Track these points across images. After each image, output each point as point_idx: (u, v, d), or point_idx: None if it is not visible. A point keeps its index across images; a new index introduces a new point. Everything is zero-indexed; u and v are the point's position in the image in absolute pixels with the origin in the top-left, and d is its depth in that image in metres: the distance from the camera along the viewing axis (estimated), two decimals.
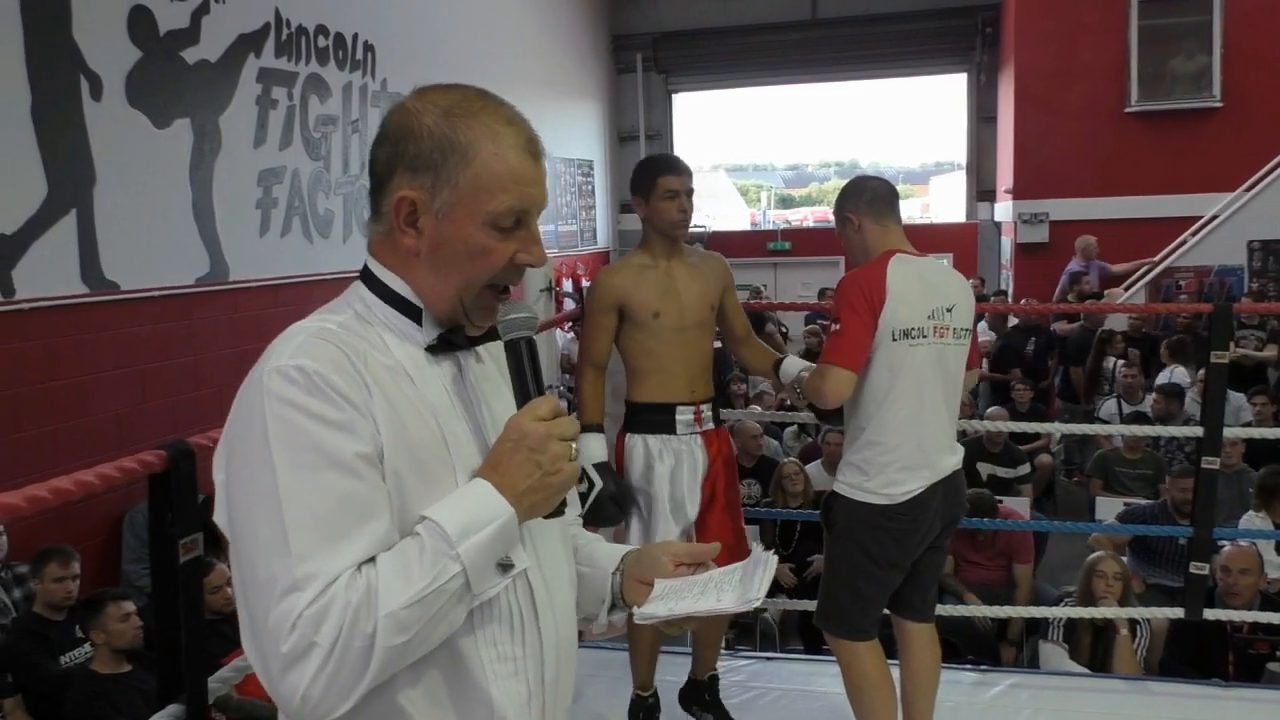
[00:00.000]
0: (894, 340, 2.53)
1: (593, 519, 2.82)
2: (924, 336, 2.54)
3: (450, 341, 1.13)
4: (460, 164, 1.08)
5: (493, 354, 1.21)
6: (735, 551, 2.93)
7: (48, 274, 4.96)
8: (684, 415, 2.91)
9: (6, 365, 4.80)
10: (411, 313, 1.12)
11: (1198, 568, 3.21)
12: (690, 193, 2.89)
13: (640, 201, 2.90)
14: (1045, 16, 10.23)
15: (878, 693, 2.67)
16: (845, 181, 2.84)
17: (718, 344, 3.23)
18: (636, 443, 2.92)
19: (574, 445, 1.09)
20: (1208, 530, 3.23)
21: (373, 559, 0.98)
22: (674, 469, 2.91)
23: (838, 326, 2.55)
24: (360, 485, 1.00)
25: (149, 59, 5.52)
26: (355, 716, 1.00)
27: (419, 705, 1.05)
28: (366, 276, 1.15)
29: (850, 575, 2.64)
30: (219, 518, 1.06)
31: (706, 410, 2.95)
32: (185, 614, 1.37)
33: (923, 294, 2.56)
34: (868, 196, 2.67)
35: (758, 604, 1.10)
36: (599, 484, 2.80)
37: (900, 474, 2.56)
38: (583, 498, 2.81)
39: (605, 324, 2.90)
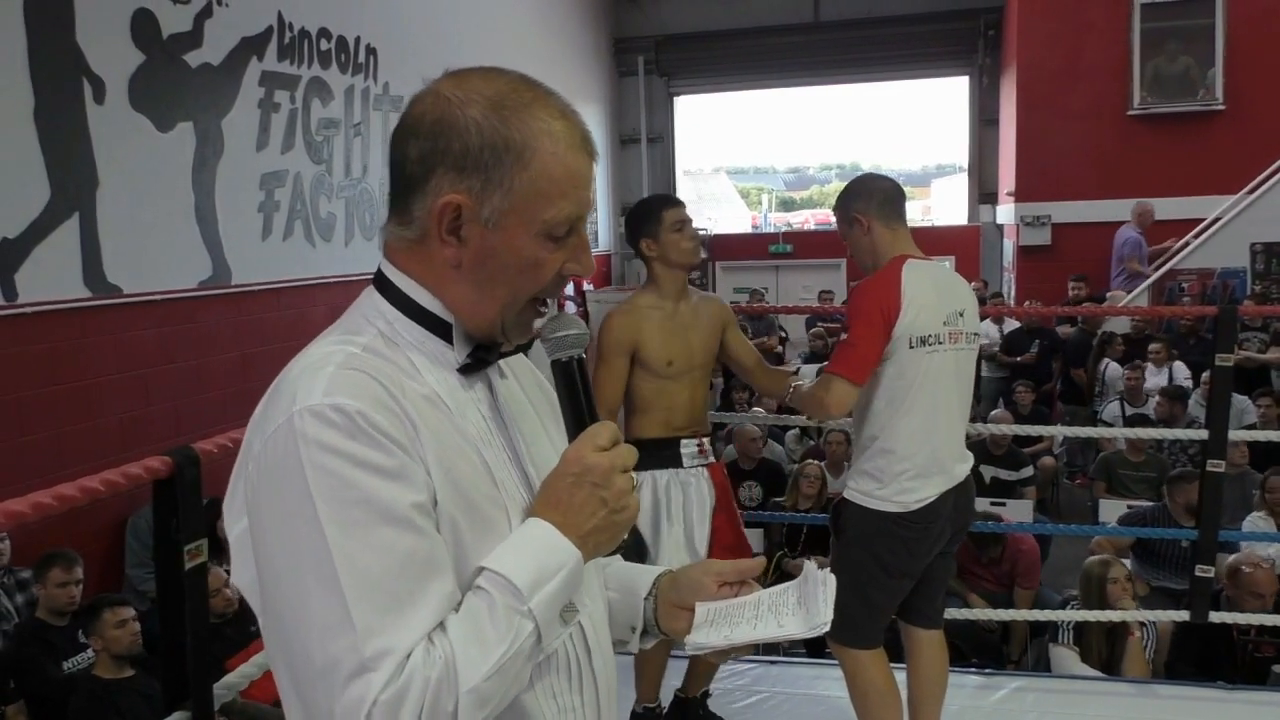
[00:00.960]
0: (911, 348, 2.50)
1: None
2: (940, 343, 2.53)
3: (484, 360, 1.01)
4: (516, 166, 0.94)
5: (513, 367, 1.10)
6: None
7: (50, 278, 4.96)
8: (689, 448, 2.93)
9: (10, 369, 4.80)
10: (441, 330, 0.99)
11: (1203, 570, 3.21)
12: (691, 222, 2.92)
13: (649, 243, 2.87)
14: (1048, 19, 10.22)
15: (884, 700, 2.66)
16: (847, 183, 2.81)
17: None
18: (644, 479, 2.88)
19: (635, 478, 0.98)
20: (1213, 533, 3.22)
21: (441, 625, 0.87)
22: (684, 505, 2.92)
23: (847, 337, 2.53)
24: (421, 541, 0.88)
25: (152, 62, 5.52)
26: None
27: None
28: (384, 286, 1.00)
29: (860, 583, 2.61)
30: (239, 576, 0.94)
31: (707, 443, 2.99)
32: (191, 620, 1.37)
33: (937, 300, 2.54)
34: (878, 198, 2.63)
35: (827, 628, 1.00)
36: None
37: (914, 482, 2.53)
38: None
39: (619, 368, 2.87)
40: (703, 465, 2.95)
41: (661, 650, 3.03)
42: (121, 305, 5.41)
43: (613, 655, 1.08)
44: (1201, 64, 9.88)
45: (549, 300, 1.02)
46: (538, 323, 1.05)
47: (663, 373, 2.87)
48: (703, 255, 3.08)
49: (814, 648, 5.25)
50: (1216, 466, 3.16)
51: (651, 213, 2.88)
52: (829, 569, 1.09)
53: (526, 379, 1.11)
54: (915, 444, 2.53)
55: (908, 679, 2.83)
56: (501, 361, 1.05)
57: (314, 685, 0.84)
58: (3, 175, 4.72)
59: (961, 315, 2.58)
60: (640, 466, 2.96)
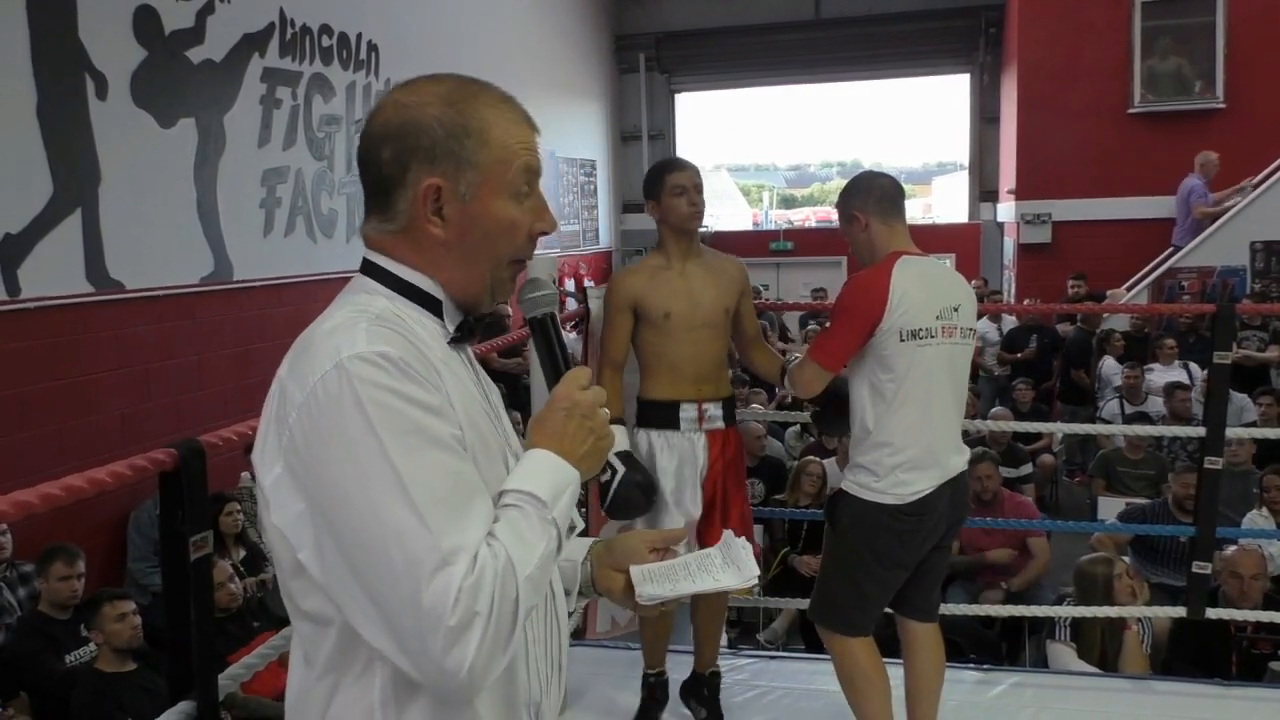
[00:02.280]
0: (902, 341, 2.53)
1: (620, 508, 2.85)
2: (932, 337, 2.55)
3: (470, 329, 1.16)
4: (478, 145, 1.09)
5: (470, 358, 1.24)
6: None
7: (53, 273, 4.97)
8: (687, 412, 2.96)
9: (11, 364, 4.82)
10: (432, 306, 1.13)
11: (1200, 567, 3.22)
12: (699, 188, 2.97)
13: (653, 204, 2.98)
14: (1048, 17, 10.23)
15: (870, 683, 2.69)
16: (847, 181, 2.85)
17: None
18: (642, 438, 3.00)
19: (607, 410, 1.15)
20: (1211, 530, 3.24)
21: (491, 531, 1.01)
22: (677, 467, 2.97)
23: (828, 326, 2.63)
24: (465, 464, 1.02)
25: (154, 58, 5.53)
26: (430, 707, 1.03)
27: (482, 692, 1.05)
28: (378, 273, 1.14)
29: (853, 572, 2.65)
30: (277, 517, 1.03)
31: (713, 409, 2.98)
32: (196, 612, 1.38)
33: (930, 295, 2.57)
34: (876, 194, 2.67)
35: (755, 581, 1.18)
36: (621, 471, 2.81)
37: (909, 474, 2.57)
38: (604, 488, 2.83)
39: (622, 324, 2.99)
40: (700, 432, 2.97)
41: (658, 624, 3.13)
42: (123, 301, 5.42)
43: (562, 591, 1.25)
44: (1201, 63, 9.89)
45: (524, 261, 1.16)
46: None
47: (661, 326, 2.93)
48: (703, 223, 3.16)
49: (812, 644, 5.29)
50: (1214, 464, 3.17)
51: (657, 175, 2.99)
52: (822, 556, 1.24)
53: (479, 366, 1.25)
54: (910, 437, 2.56)
55: (905, 673, 2.84)
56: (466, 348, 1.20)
57: (396, 585, 0.95)
58: (6, 171, 4.74)
59: (956, 310, 2.60)
60: (642, 425, 3.00)
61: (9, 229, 4.74)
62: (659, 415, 2.98)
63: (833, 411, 2.86)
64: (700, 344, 2.96)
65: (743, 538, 1.25)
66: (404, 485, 0.96)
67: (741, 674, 3.62)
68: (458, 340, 1.15)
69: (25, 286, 4.84)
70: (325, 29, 7.13)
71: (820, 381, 2.63)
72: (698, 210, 2.95)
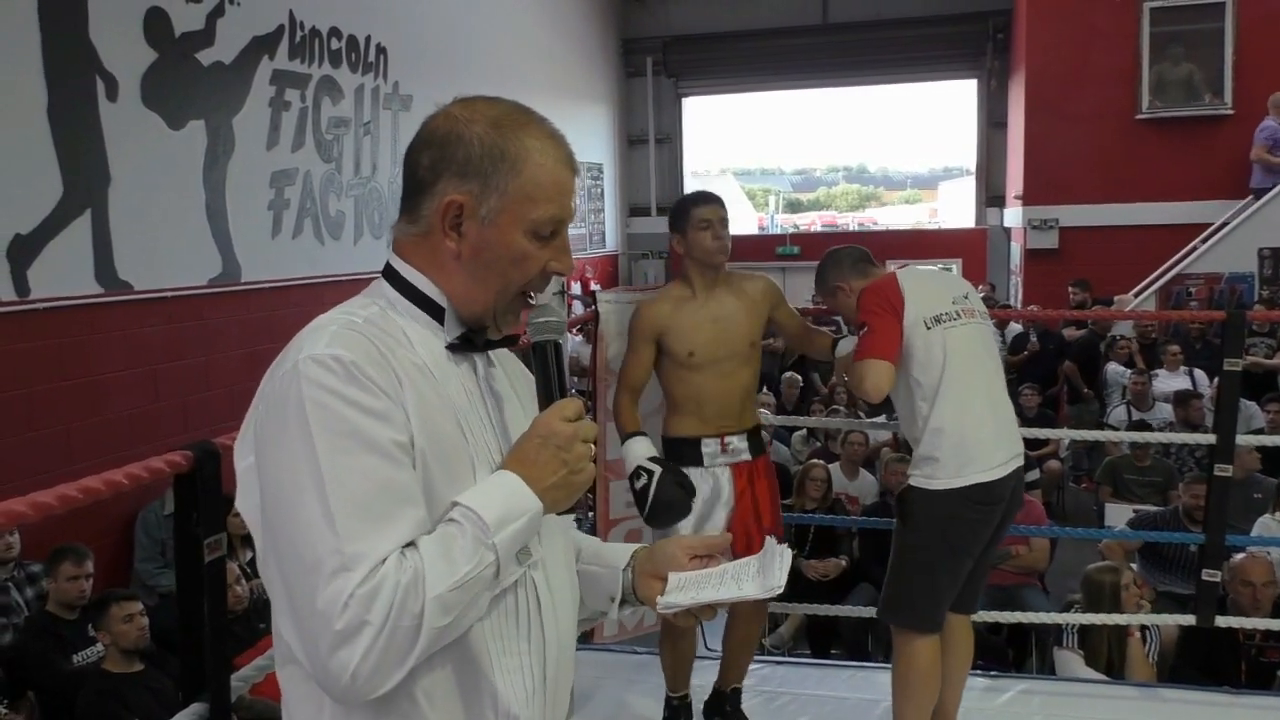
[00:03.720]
0: (928, 329, 2.63)
1: (661, 511, 2.82)
2: (955, 319, 2.66)
3: (470, 341, 1.17)
4: (510, 173, 1.11)
5: (501, 360, 1.25)
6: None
7: (62, 274, 4.99)
8: (709, 448, 2.95)
9: (21, 364, 4.83)
10: (434, 312, 1.15)
11: (1210, 575, 3.21)
12: (724, 221, 2.93)
13: (679, 238, 2.95)
14: (1057, 22, 10.22)
15: (926, 685, 2.74)
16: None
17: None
18: None
19: (594, 448, 1.14)
20: (1220, 537, 3.23)
21: (413, 543, 1.01)
22: (707, 501, 2.94)
23: (866, 328, 2.65)
24: (398, 472, 1.03)
25: (164, 60, 5.56)
26: (372, 704, 1.03)
27: (431, 694, 1.07)
28: (390, 275, 1.18)
29: (929, 566, 2.67)
30: (243, 503, 1.08)
31: (736, 441, 2.96)
32: (210, 613, 1.39)
33: (937, 288, 2.73)
34: (848, 262, 2.85)
35: (779, 591, 1.14)
36: (657, 472, 2.80)
37: (975, 451, 2.60)
38: (640, 495, 2.82)
39: (645, 354, 2.96)
40: (725, 465, 2.95)
41: (686, 642, 3.07)
42: (132, 302, 5.44)
43: (573, 623, 1.23)
44: (1209, 69, 9.87)
45: (534, 294, 1.17)
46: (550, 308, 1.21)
47: (685, 363, 2.91)
48: (727, 256, 3.15)
49: (819, 650, 5.29)
50: (1224, 471, 3.17)
51: (683, 209, 2.95)
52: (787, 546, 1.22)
53: (513, 370, 1.27)
54: (963, 418, 2.61)
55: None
56: (492, 354, 1.22)
57: (302, 581, 0.99)
58: (16, 172, 4.76)
59: (966, 297, 2.74)
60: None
61: (19, 230, 4.76)
62: (683, 453, 2.95)
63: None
64: (727, 378, 2.93)
65: (784, 545, 1.22)
66: (324, 485, 0.99)
67: (749, 679, 3.61)
68: (457, 348, 1.16)
69: (35, 287, 4.85)
70: (334, 32, 7.15)
71: (887, 377, 2.61)
72: (724, 244, 2.92)
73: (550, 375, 1.17)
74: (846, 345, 2.97)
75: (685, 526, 2.90)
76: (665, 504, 2.80)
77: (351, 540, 0.97)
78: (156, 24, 5.51)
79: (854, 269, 2.84)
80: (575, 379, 6.76)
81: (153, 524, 5.20)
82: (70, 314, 5.08)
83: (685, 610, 1.18)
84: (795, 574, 5.48)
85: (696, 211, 2.90)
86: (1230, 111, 9.82)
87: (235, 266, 6.19)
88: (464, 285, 1.15)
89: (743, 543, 2.95)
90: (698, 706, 3.23)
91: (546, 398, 1.16)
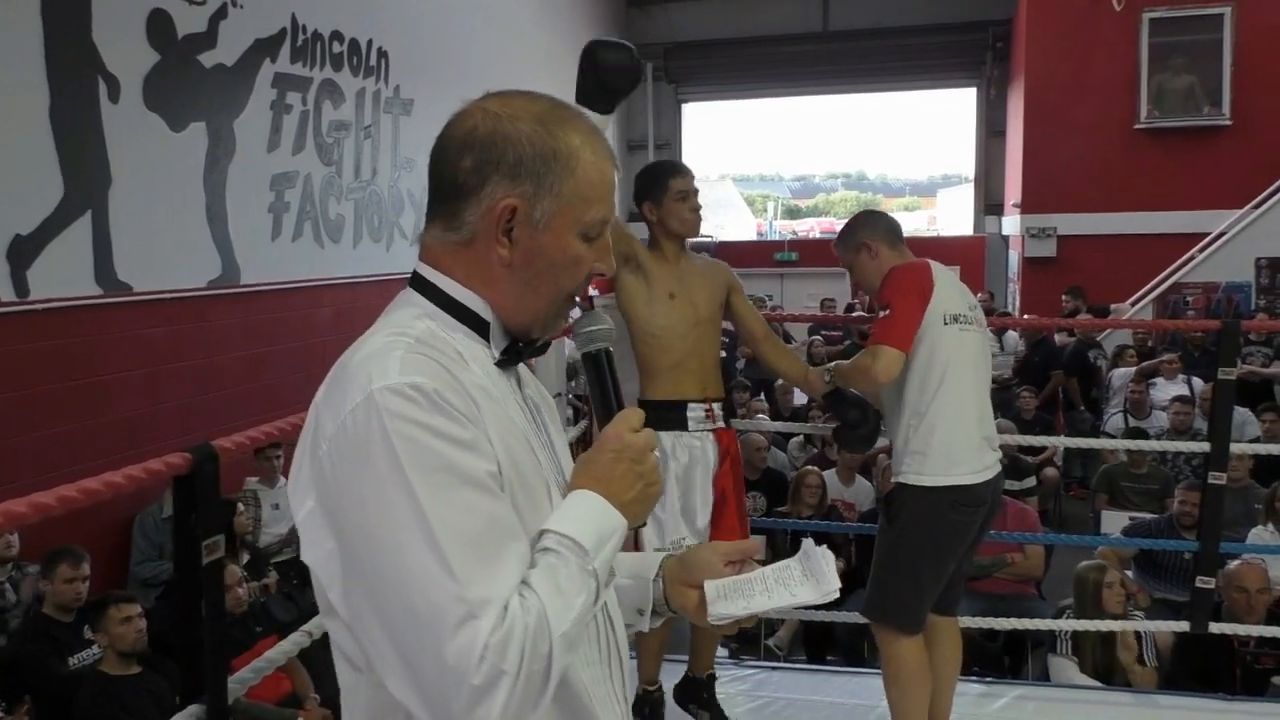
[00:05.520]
0: (945, 324, 2.64)
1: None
2: (970, 323, 2.69)
3: (517, 355, 1.11)
4: (564, 173, 1.05)
5: (522, 374, 1.19)
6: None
7: (62, 275, 5.00)
8: (695, 412, 2.95)
9: (21, 365, 4.84)
10: (478, 326, 1.08)
11: (1204, 582, 3.23)
12: (697, 193, 2.95)
13: (651, 206, 2.94)
14: (1056, 32, 10.26)
15: (917, 684, 2.74)
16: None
17: (722, 353, 3.26)
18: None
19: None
20: (1214, 545, 3.25)
21: (525, 580, 0.95)
22: (687, 467, 2.95)
23: (888, 311, 2.64)
24: (499, 504, 0.96)
25: (166, 62, 5.57)
26: None
27: None
28: (424, 286, 1.09)
29: (915, 565, 2.69)
30: (310, 554, 0.99)
31: (718, 408, 2.99)
32: (208, 615, 1.39)
33: (959, 289, 2.76)
34: (883, 226, 2.82)
35: (836, 595, 1.11)
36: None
37: (960, 454, 2.63)
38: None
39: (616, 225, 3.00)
40: (709, 430, 2.97)
41: (660, 631, 3.06)
42: (132, 303, 5.44)
43: (625, 633, 1.18)
44: (1209, 79, 9.91)
45: (579, 298, 1.12)
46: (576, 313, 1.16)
47: (665, 313, 2.89)
48: (707, 234, 3.17)
49: (814, 655, 5.29)
50: (1218, 479, 3.18)
51: (657, 178, 2.93)
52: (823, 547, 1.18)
53: (532, 385, 1.19)
54: (958, 419, 2.64)
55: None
56: (520, 369, 1.15)
57: (419, 635, 0.90)
58: (17, 172, 4.77)
59: (974, 307, 2.77)
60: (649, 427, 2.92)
61: (19, 230, 4.77)
62: (666, 416, 2.93)
63: (861, 425, 2.93)
64: (701, 340, 2.95)
65: (823, 546, 1.17)
66: (430, 528, 0.91)
67: (744, 684, 3.63)
68: (505, 363, 1.09)
69: (35, 288, 4.86)
70: (336, 35, 7.17)
71: (897, 365, 2.60)
72: (699, 217, 2.95)
73: (607, 385, 1.13)
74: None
75: (673, 495, 2.91)
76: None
77: (472, 585, 0.90)
78: (159, 26, 5.52)
79: (887, 236, 2.80)
80: (573, 383, 6.76)
81: (150, 527, 5.20)
82: (70, 315, 5.09)
83: (735, 620, 1.13)
84: None
85: (674, 182, 2.89)
86: (1229, 122, 9.86)
87: (235, 269, 6.20)
88: (515, 294, 1.07)
89: (729, 509, 3.00)
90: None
91: (606, 409, 1.11)
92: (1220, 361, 3.18)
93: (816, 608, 3.48)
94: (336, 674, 1.04)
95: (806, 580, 1.13)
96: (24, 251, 4.80)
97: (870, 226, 2.82)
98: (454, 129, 1.07)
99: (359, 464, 0.93)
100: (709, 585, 1.15)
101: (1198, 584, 3.26)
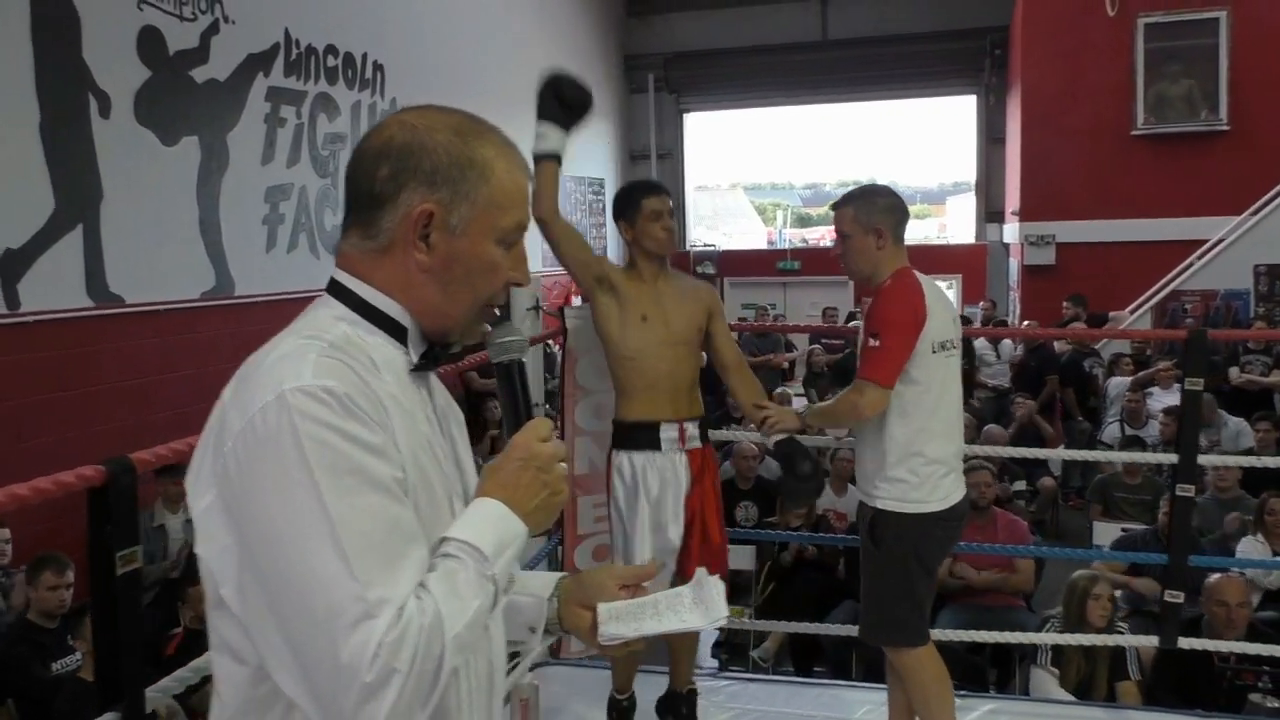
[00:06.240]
0: (934, 353, 2.63)
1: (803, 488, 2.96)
2: (954, 348, 2.69)
3: (434, 358, 1.13)
4: (479, 180, 1.08)
5: (432, 384, 1.19)
6: (715, 563, 2.97)
7: (53, 287, 5.06)
8: (668, 433, 2.95)
9: (12, 377, 4.89)
10: (396, 333, 1.09)
11: (1172, 595, 3.20)
12: (672, 213, 2.98)
13: (626, 225, 2.97)
14: (1052, 39, 10.23)
15: (944, 686, 2.76)
16: (868, 189, 2.84)
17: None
18: (623, 460, 2.98)
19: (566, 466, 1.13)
20: (1183, 557, 3.22)
21: (423, 583, 0.97)
22: (659, 490, 2.95)
23: (877, 343, 2.58)
24: (403, 509, 0.98)
25: (158, 78, 5.64)
26: None
27: None
28: (341, 293, 1.10)
29: (908, 585, 2.69)
30: (204, 548, 0.99)
31: (691, 428, 2.99)
32: (123, 624, 1.42)
33: (945, 308, 2.73)
34: (897, 215, 2.72)
35: (723, 622, 1.17)
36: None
37: (944, 480, 2.64)
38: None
39: (588, 247, 3.01)
40: (681, 451, 2.97)
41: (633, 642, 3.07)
42: (123, 315, 5.50)
43: (504, 637, 1.20)
44: (1206, 85, 9.85)
45: (496, 309, 1.14)
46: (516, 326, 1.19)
47: (639, 337, 2.91)
48: (674, 248, 3.16)
49: (801, 667, 5.27)
50: (1186, 491, 3.16)
51: (631, 197, 2.97)
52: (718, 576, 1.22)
53: (441, 395, 1.20)
54: (941, 445, 2.64)
55: (891, 690, 2.93)
56: (431, 377, 1.17)
57: (315, 633, 0.92)
58: (8, 187, 4.84)
59: (954, 322, 2.77)
60: (621, 447, 2.97)
61: (10, 244, 4.84)
62: (639, 437, 2.95)
63: (811, 479, 2.94)
64: (678, 361, 2.95)
65: (716, 575, 1.22)
66: (334, 528, 0.92)
67: (719, 695, 3.62)
68: (421, 368, 1.11)
69: (26, 301, 4.92)
70: (331, 49, 7.24)
71: (883, 401, 2.58)
72: (672, 236, 2.98)
73: (516, 395, 1.15)
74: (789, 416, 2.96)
75: (646, 515, 2.92)
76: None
77: (372, 586, 0.91)
78: (150, 42, 5.59)
79: (896, 229, 2.70)
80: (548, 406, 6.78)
81: (140, 535, 5.24)
82: (61, 327, 5.15)
83: (624, 641, 1.17)
84: (778, 592, 5.47)
85: (647, 203, 2.92)
86: (1226, 127, 9.78)
87: (229, 280, 6.25)
88: (432, 299, 1.09)
89: (698, 529, 3.00)
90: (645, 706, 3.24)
91: (515, 418, 1.13)
92: (1187, 372, 3.16)
93: (806, 619, 3.49)
94: (212, 665, 1.05)
95: (696, 607, 1.17)
96: (15, 264, 4.87)
97: (889, 211, 2.71)
98: (371, 140, 1.10)
99: (265, 462, 0.94)
100: (602, 608, 1.18)
101: (1166, 598, 3.24)
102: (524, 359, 1.18)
